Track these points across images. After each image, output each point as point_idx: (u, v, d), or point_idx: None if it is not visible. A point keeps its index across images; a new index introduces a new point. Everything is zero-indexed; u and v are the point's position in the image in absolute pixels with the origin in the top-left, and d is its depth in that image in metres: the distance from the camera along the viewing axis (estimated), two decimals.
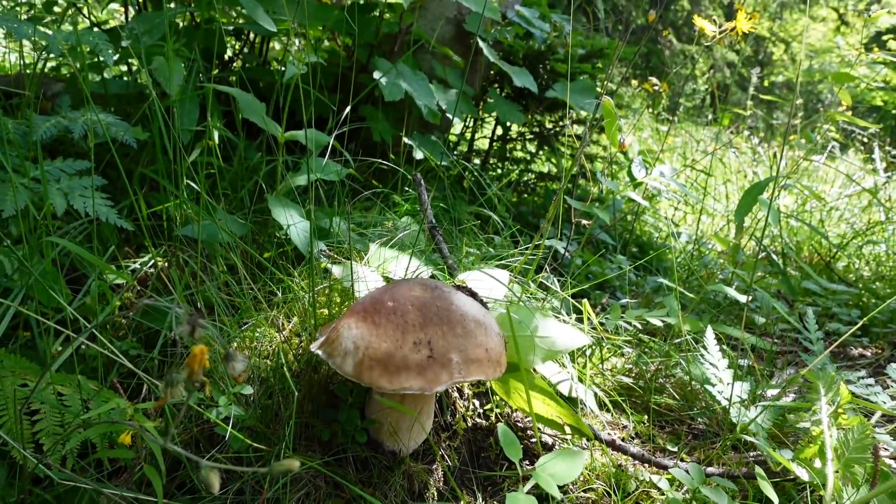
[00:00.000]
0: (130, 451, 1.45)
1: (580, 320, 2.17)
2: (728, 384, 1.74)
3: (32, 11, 3.12)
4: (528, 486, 1.25)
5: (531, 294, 2.10)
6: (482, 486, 1.60)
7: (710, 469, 1.58)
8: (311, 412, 1.53)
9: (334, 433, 1.46)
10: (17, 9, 2.97)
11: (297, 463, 0.86)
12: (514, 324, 1.62)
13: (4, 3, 2.11)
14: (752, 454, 1.80)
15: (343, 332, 1.30)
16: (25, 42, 2.77)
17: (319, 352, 1.32)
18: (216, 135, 2.79)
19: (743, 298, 2.56)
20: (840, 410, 1.49)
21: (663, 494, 1.61)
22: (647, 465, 1.64)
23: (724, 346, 2.15)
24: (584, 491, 1.60)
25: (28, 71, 2.49)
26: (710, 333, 1.88)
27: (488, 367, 1.29)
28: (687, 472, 1.35)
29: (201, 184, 2.23)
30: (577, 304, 1.98)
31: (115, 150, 2.65)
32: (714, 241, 3.32)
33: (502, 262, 2.26)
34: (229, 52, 3.66)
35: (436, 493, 1.49)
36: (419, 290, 1.35)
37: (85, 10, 3.24)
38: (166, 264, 2.34)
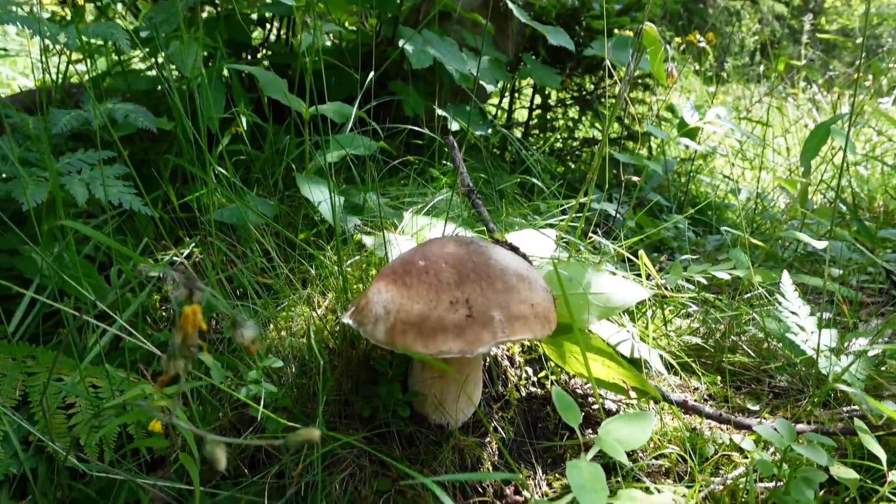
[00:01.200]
0: (165, 440, 1.38)
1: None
2: (812, 332, 1.54)
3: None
4: (592, 453, 1.10)
5: (581, 254, 1.94)
6: (541, 458, 1.46)
7: (800, 426, 1.40)
8: (351, 389, 1.43)
9: (375, 409, 1.35)
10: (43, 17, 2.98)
11: (316, 432, 0.74)
12: (564, 280, 1.47)
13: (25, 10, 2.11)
14: (845, 409, 1.60)
15: (373, 297, 1.18)
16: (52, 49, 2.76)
17: (350, 321, 1.21)
18: (244, 121, 2.73)
19: (821, 244, 2.33)
20: None
21: (747, 457, 1.44)
22: (726, 426, 1.47)
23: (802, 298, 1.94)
24: (656, 458, 1.45)
25: (54, 72, 2.47)
26: (786, 279, 1.68)
27: (535, 325, 1.15)
28: (775, 429, 1.17)
29: (229, 167, 2.16)
30: (633, 258, 1.81)
31: (142, 143, 2.63)
32: (780, 186, 3.05)
33: (548, 223, 2.11)
34: (255, 44, 3.60)
35: (490, 468, 1.36)
36: (453, 246, 1.22)
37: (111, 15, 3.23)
38: (200, 256, 2.29)
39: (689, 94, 7.98)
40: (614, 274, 1.71)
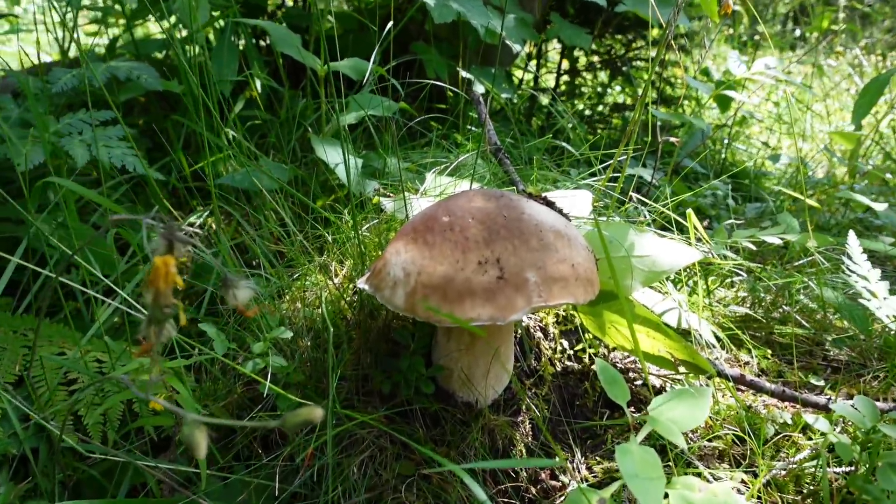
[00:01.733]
0: (171, 418, 1.28)
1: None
2: (885, 298, 1.37)
3: None
4: (642, 434, 0.96)
5: (620, 213, 1.78)
6: (579, 439, 1.33)
7: (879, 405, 1.24)
8: (370, 364, 1.31)
9: (396, 385, 1.22)
10: None
11: (319, 411, 0.62)
12: (606, 242, 1.32)
13: None
14: None
15: (391, 258, 1.05)
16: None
17: (365, 286, 1.08)
18: (258, 84, 2.60)
19: (881, 207, 2.13)
20: None
21: (811, 439, 1.29)
22: (789, 403, 1.31)
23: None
24: (709, 440, 1.30)
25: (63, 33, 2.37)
26: (853, 241, 1.51)
27: (577, 288, 1.00)
28: (855, 408, 1.02)
29: (240, 130, 2.04)
30: (680, 220, 1.64)
31: (158, 112, 2.52)
32: (830, 143, 2.83)
33: (585, 182, 1.95)
34: (271, 9, 3.46)
35: (524, 451, 1.23)
36: (481, 200, 1.08)
37: None
38: (213, 226, 2.19)
39: (724, 61, 7.65)
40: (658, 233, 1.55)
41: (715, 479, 1.17)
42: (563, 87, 4.42)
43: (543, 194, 1.26)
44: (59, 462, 1.24)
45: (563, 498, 1.18)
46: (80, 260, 1.21)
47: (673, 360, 1.34)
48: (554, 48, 4.60)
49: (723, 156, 4.24)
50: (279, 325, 1.30)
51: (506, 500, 1.18)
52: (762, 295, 2.02)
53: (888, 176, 3.67)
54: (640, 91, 4.31)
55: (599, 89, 4.60)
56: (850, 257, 1.46)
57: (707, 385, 1.41)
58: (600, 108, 4.54)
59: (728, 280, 2.10)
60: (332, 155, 1.93)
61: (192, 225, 2.20)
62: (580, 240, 1.09)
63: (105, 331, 1.68)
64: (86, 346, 1.46)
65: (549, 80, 4.65)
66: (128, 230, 1.67)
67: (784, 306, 2.00)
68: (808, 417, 1.07)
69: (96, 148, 1.55)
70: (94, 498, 1.38)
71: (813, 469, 1.18)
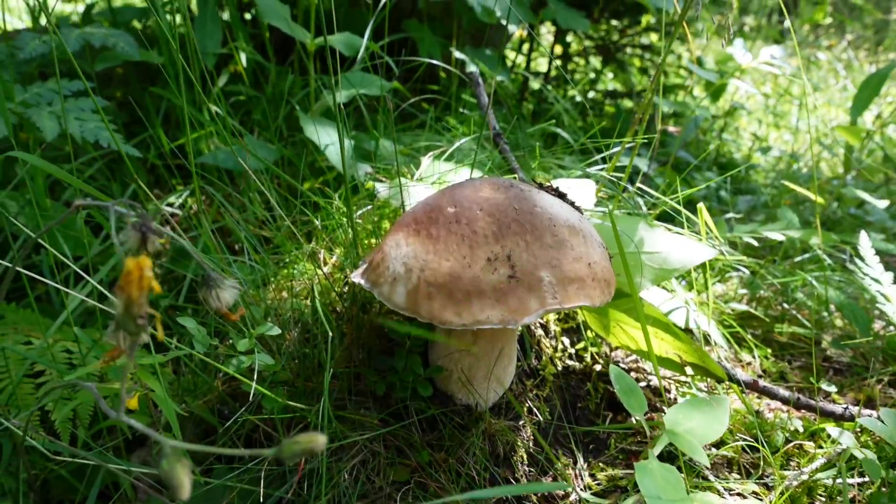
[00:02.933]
0: (144, 416, 1.19)
1: None
2: None
3: None
4: (659, 447, 0.90)
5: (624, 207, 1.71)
6: (582, 443, 1.26)
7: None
8: (363, 361, 1.22)
9: (391, 386, 1.14)
10: None
11: (321, 439, 0.53)
12: (618, 236, 1.25)
13: None
14: None
15: (390, 251, 0.96)
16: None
17: (361, 280, 1.00)
18: (244, 58, 2.48)
19: (883, 203, 2.09)
20: None
21: (821, 447, 1.24)
22: (803, 412, 1.26)
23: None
24: (716, 447, 1.24)
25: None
26: (865, 241, 1.45)
27: (594, 289, 0.93)
28: (880, 419, 0.96)
29: (223, 106, 1.92)
30: (688, 214, 1.57)
31: (138, 85, 2.38)
32: (839, 136, 2.77)
33: (586, 171, 1.87)
34: None
35: (525, 456, 1.16)
36: (489, 190, 0.99)
37: None
38: (193, 206, 2.08)
39: (713, 52, 7.63)
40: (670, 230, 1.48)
41: (727, 492, 1.11)
42: (554, 73, 4.33)
43: (553, 184, 1.18)
44: (25, 461, 1.15)
45: None
46: (43, 241, 1.10)
47: (681, 361, 1.28)
48: (548, 31, 4.50)
49: (711, 147, 4.21)
50: (264, 318, 1.21)
51: None
52: (761, 292, 1.97)
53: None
54: (633, 79, 4.25)
55: (592, 75, 4.52)
56: (861, 258, 1.40)
57: (715, 389, 1.35)
58: (592, 94, 4.46)
59: (725, 276, 2.05)
60: (321, 135, 1.82)
61: (171, 206, 2.09)
62: (595, 236, 1.02)
63: (76, 317, 1.57)
64: (55, 334, 1.36)
65: (540, 65, 4.56)
66: (98, 211, 1.56)
67: (783, 304, 1.95)
68: (832, 431, 1.01)
69: (66, 120, 1.43)
70: (63, 499, 1.29)
71: (827, 480, 1.12)
